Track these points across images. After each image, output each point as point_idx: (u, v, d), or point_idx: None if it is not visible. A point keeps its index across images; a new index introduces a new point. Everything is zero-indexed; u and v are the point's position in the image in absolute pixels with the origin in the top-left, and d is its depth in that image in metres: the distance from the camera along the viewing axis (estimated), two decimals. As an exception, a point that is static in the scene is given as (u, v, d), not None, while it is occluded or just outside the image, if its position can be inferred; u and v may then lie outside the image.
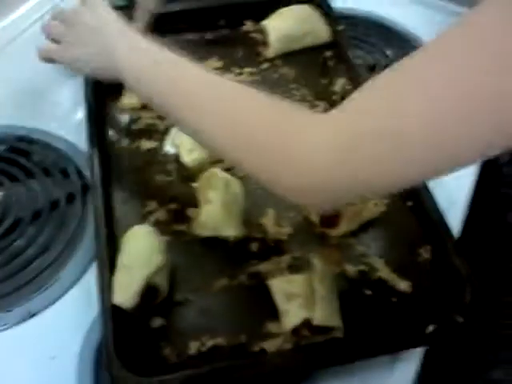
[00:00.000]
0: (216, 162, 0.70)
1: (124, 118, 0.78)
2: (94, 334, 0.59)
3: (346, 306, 0.59)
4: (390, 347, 0.58)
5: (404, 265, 0.64)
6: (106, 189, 0.68)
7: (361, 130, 0.41)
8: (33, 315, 0.62)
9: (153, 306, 0.59)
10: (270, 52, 0.86)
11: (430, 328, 0.56)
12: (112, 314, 0.56)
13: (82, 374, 0.57)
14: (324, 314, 0.56)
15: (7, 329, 0.61)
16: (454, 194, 0.72)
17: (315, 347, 0.56)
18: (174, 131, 0.75)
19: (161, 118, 0.76)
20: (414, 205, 0.68)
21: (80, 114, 0.80)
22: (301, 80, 0.84)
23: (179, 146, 0.73)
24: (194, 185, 0.70)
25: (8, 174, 0.74)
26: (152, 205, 0.69)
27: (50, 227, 0.69)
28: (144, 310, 0.58)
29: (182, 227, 0.67)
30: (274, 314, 0.59)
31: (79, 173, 0.74)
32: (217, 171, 0.68)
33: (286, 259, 0.64)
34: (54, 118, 0.81)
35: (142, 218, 0.67)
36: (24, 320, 0.62)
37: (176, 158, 0.73)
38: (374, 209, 0.68)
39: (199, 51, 0.86)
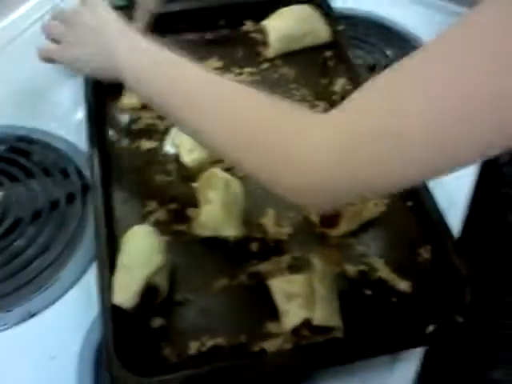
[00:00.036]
0: (216, 161, 0.70)
1: (124, 118, 0.78)
2: (94, 334, 0.59)
3: (346, 306, 0.59)
4: (389, 347, 0.58)
5: (404, 265, 0.64)
6: (106, 189, 0.68)
7: (361, 129, 0.41)
8: (33, 315, 0.62)
9: (153, 306, 0.59)
10: (270, 52, 0.86)
11: (430, 328, 0.56)
12: (112, 314, 0.56)
13: (82, 374, 0.57)
14: (324, 314, 0.56)
15: (7, 329, 0.61)
16: (454, 194, 0.72)
17: (315, 347, 0.56)
18: (174, 131, 0.75)
19: (161, 118, 0.76)
20: (414, 205, 0.68)
21: (80, 114, 0.80)
22: (301, 80, 0.84)
23: (179, 146, 0.73)
24: (194, 185, 0.70)
25: (8, 173, 0.74)
26: (152, 205, 0.69)
27: (50, 227, 0.69)
28: (144, 309, 0.58)
29: (182, 227, 0.67)
30: (273, 313, 0.59)
31: (79, 173, 0.74)
32: (217, 171, 0.68)
33: (286, 259, 0.64)
34: (54, 118, 0.81)
35: (142, 218, 0.67)
36: (24, 320, 0.62)
37: (176, 158, 0.73)
38: (374, 209, 0.68)
39: (199, 51, 0.86)
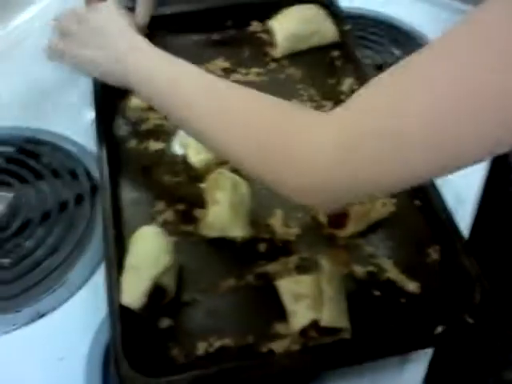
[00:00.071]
0: (223, 162, 0.70)
1: (132, 119, 0.78)
2: (103, 335, 0.60)
3: (355, 307, 0.59)
4: (398, 348, 0.57)
5: (413, 265, 0.64)
6: (114, 190, 0.68)
7: (362, 129, 0.41)
8: (41, 316, 0.62)
9: (160, 307, 0.59)
10: (277, 52, 0.86)
11: (439, 329, 0.56)
12: (120, 315, 0.56)
13: (90, 374, 0.58)
14: (332, 315, 0.56)
15: (16, 329, 0.61)
16: (462, 193, 0.72)
17: (323, 348, 0.56)
18: (181, 132, 0.75)
19: (168, 118, 0.76)
20: (422, 205, 0.68)
21: (88, 115, 0.80)
22: (308, 80, 0.83)
23: (187, 146, 0.73)
24: (202, 185, 0.70)
25: (17, 175, 0.74)
26: (160, 205, 0.69)
27: (59, 228, 0.69)
28: (152, 310, 0.58)
29: (189, 228, 0.67)
30: (281, 314, 0.58)
31: (88, 174, 0.74)
32: (224, 172, 0.68)
33: (293, 260, 0.64)
34: (63, 120, 0.81)
35: (150, 219, 0.67)
36: (33, 321, 0.62)
37: (184, 159, 0.73)
38: (382, 209, 0.67)
39: (206, 52, 0.86)
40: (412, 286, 0.62)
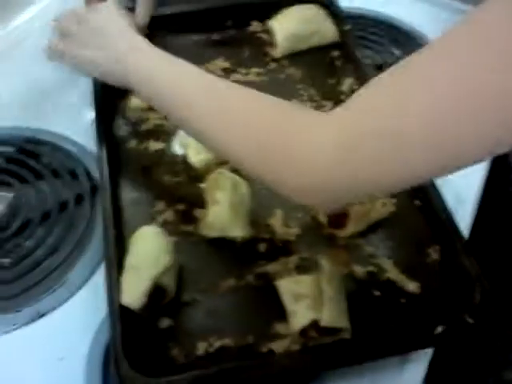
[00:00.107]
0: (223, 162, 0.70)
1: (132, 119, 0.78)
2: (103, 335, 0.60)
3: (355, 307, 0.59)
4: (398, 348, 0.57)
5: (413, 265, 0.64)
6: (114, 190, 0.68)
7: (363, 129, 0.41)
8: (41, 316, 0.62)
9: (160, 307, 0.60)
10: (277, 52, 0.86)
11: (439, 329, 0.56)
12: (120, 315, 0.56)
13: (90, 375, 0.58)
14: (332, 315, 0.56)
15: (16, 329, 0.61)
16: (462, 193, 0.72)
17: (323, 348, 0.56)
18: (181, 132, 0.75)
19: (168, 118, 0.76)
20: (422, 205, 0.68)
21: (88, 116, 0.80)
22: (308, 80, 0.83)
23: (187, 146, 0.73)
24: (202, 185, 0.70)
25: (17, 175, 0.74)
26: (160, 205, 0.69)
27: (59, 228, 0.69)
28: (152, 310, 0.58)
29: (189, 228, 0.67)
30: (281, 314, 0.59)
31: (88, 174, 0.74)
32: (224, 172, 0.68)
33: (293, 260, 0.64)
34: (63, 120, 0.81)
35: (150, 219, 0.67)
36: (33, 320, 0.62)
37: (184, 159, 0.73)
38: (382, 209, 0.67)
39: (206, 52, 0.86)
40: (412, 286, 0.62)
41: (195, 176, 0.71)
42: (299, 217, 0.67)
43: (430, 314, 0.59)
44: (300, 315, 0.57)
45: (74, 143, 0.78)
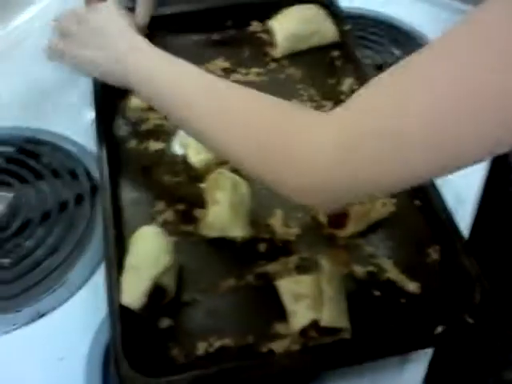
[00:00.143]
0: (223, 162, 0.70)
1: (132, 119, 0.78)
2: (103, 335, 0.60)
3: (355, 307, 0.59)
4: (398, 349, 0.57)
5: (413, 265, 0.64)
6: (114, 190, 0.68)
7: (363, 129, 0.41)
8: (41, 316, 0.62)
9: (160, 307, 0.60)
10: (277, 52, 0.86)
11: (439, 329, 0.56)
12: (120, 315, 0.56)
13: (90, 375, 0.58)
14: (332, 315, 0.56)
15: (16, 329, 0.61)
16: (462, 193, 0.72)
17: (323, 348, 0.56)
18: (181, 132, 0.75)
19: (168, 118, 0.76)
20: (422, 205, 0.68)
21: (88, 116, 0.80)
22: (308, 80, 0.83)
23: (187, 146, 0.73)
24: (202, 185, 0.70)
25: (17, 175, 0.74)
26: (160, 205, 0.69)
27: (59, 228, 0.69)
28: (152, 310, 0.58)
29: (189, 228, 0.67)
30: (281, 314, 0.59)
31: (88, 174, 0.74)
32: (224, 172, 0.68)
33: (293, 260, 0.64)
34: (63, 120, 0.81)
35: (150, 219, 0.67)
36: (33, 320, 0.62)
37: (184, 159, 0.73)
38: (382, 209, 0.67)
39: (206, 52, 0.86)
40: (412, 286, 0.62)
41: (195, 176, 0.71)
42: (299, 217, 0.67)
43: (430, 313, 0.59)
44: (300, 315, 0.57)
45: (74, 143, 0.78)
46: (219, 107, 0.52)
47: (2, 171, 0.75)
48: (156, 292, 0.58)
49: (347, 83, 0.83)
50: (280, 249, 0.65)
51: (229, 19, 0.90)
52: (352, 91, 0.81)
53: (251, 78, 0.83)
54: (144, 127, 0.77)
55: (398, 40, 0.95)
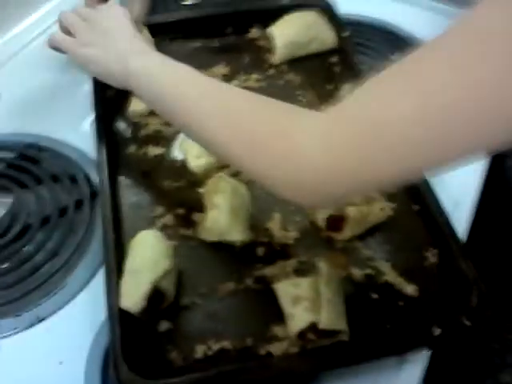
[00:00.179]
0: (222, 167, 0.71)
1: (132, 125, 0.79)
2: (102, 339, 0.60)
3: (353, 309, 0.59)
4: (396, 352, 0.58)
5: (411, 268, 0.64)
6: (114, 194, 0.68)
7: (357, 128, 0.42)
8: (41, 320, 0.63)
9: (160, 310, 0.60)
10: (276, 58, 0.87)
11: (437, 331, 0.56)
12: (119, 319, 0.56)
13: (89, 378, 0.58)
14: (330, 317, 0.56)
15: (16, 333, 0.62)
16: (460, 197, 0.72)
17: (321, 351, 0.56)
18: (181, 137, 0.75)
19: (168, 124, 0.76)
20: (420, 208, 0.68)
21: (88, 121, 0.81)
22: (307, 86, 0.84)
23: (186, 151, 0.74)
24: (201, 190, 0.70)
25: (17, 180, 0.74)
26: (159, 210, 0.69)
27: (59, 233, 0.69)
28: (151, 314, 0.59)
29: (189, 232, 0.67)
30: (280, 317, 0.59)
31: (87, 179, 0.74)
32: (224, 176, 0.68)
33: (292, 263, 0.64)
34: (63, 126, 0.82)
35: (150, 223, 0.67)
36: (33, 325, 0.62)
37: (183, 164, 0.74)
38: (380, 213, 0.67)
39: (206, 58, 0.87)
40: (410, 289, 0.62)
41: (194, 181, 0.72)
42: (297, 220, 0.68)
43: (427, 316, 0.59)
44: (298, 318, 0.57)
45: (74, 149, 0.79)
46: (219, 109, 0.52)
47: (2, 176, 0.75)
48: (155, 296, 0.58)
49: (346, 89, 0.83)
50: (278, 252, 0.65)
51: (229, 26, 0.91)
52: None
53: (251, 83, 0.84)
54: (143, 132, 0.78)
55: (396, 46, 0.95)
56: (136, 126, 0.78)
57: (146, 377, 0.53)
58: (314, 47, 0.88)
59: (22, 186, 0.74)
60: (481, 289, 0.59)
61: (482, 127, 0.37)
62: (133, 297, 0.57)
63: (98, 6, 0.72)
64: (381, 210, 0.68)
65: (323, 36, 0.88)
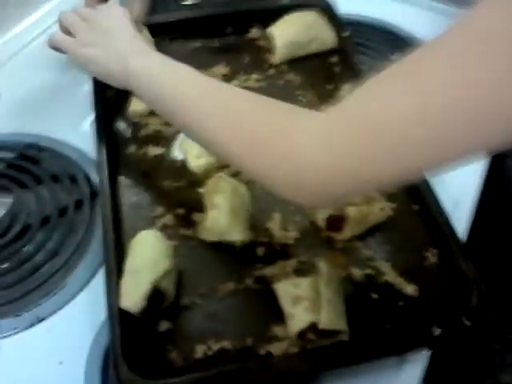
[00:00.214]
0: (222, 167, 0.71)
1: (132, 125, 0.79)
2: (102, 339, 0.60)
3: (353, 309, 0.59)
4: (396, 352, 0.58)
5: (411, 268, 0.64)
6: (114, 194, 0.68)
7: (357, 127, 0.42)
8: (41, 320, 0.63)
9: (160, 310, 0.60)
10: (276, 58, 0.87)
11: (437, 331, 0.56)
12: (119, 319, 0.56)
13: (89, 378, 0.58)
14: (330, 317, 0.56)
15: (16, 333, 0.62)
16: (460, 197, 0.72)
17: (321, 351, 0.56)
18: (181, 137, 0.75)
19: (168, 124, 0.76)
20: (420, 209, 0.68)
21: (88, 121, 0.81)
22: (307, 86, 0.84)
23: (186, 152, 0.74)
24: (201, 190, 0.70)
25: (17, 180, 0.74)
26: (159, 210, 0.69)
27: (59, 233, 0.69)
28: (151, 314, 0.59)
29: (189, 232, 0.67)
30: (280, 317, 0.59)
31: (87, 179, 0.74)
32: (224, 176, 0.68)
33: (292, 263, 0.64)
34: (63, 126, 0.82)
35: (150, 223, 0.67)
36: (33, 325, 0.62)
37: (183, 164, 0.74)
38: (380, 213, 0.68)
39: (206, 58, 0.87)
40: (410, 289, 0.62)
41: (194, 181, 0.72)
42: (297, 220, 0.68)
43: (427, 316, 0.59)
44: (298, 318, 0.57)
45: (74, 149, 0.79)
46: (219, 109, 0.52)
47: (2, 176, 0.75)
48: (155, 296, 0.58)
49: (346, 89, 0.83)
50: (278, 252, 0.65)
51: (229, 26, 0.91)
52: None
53: (251, 83, 0.84)
54: (143, 132, 0.78)
55: (396, 46, 0.95)
56: (136, 126, 0.78)
57: (146, 377, 0.53)
58: (314, 47, 0.88)
59: (22, 185, 0.74)
60: (481, 289, 0.59)
61: (482, 127, 0.37)
62: (133, 297, 0.57)
63: (98, 5, 0.72)
64: (381, 210, 0.68)
65: (323, 36, 0.88)
